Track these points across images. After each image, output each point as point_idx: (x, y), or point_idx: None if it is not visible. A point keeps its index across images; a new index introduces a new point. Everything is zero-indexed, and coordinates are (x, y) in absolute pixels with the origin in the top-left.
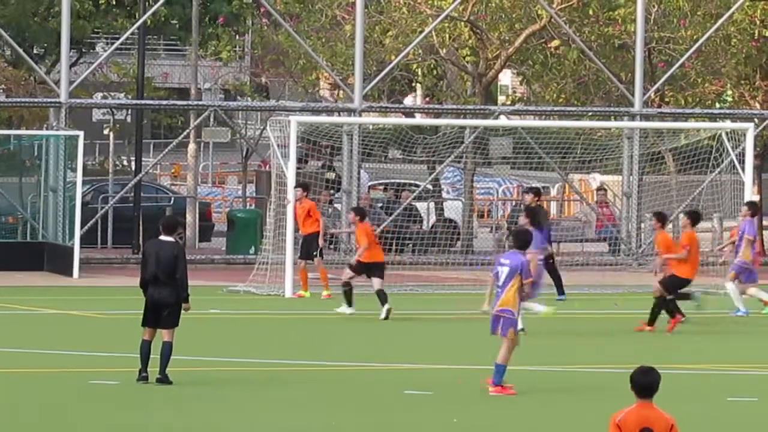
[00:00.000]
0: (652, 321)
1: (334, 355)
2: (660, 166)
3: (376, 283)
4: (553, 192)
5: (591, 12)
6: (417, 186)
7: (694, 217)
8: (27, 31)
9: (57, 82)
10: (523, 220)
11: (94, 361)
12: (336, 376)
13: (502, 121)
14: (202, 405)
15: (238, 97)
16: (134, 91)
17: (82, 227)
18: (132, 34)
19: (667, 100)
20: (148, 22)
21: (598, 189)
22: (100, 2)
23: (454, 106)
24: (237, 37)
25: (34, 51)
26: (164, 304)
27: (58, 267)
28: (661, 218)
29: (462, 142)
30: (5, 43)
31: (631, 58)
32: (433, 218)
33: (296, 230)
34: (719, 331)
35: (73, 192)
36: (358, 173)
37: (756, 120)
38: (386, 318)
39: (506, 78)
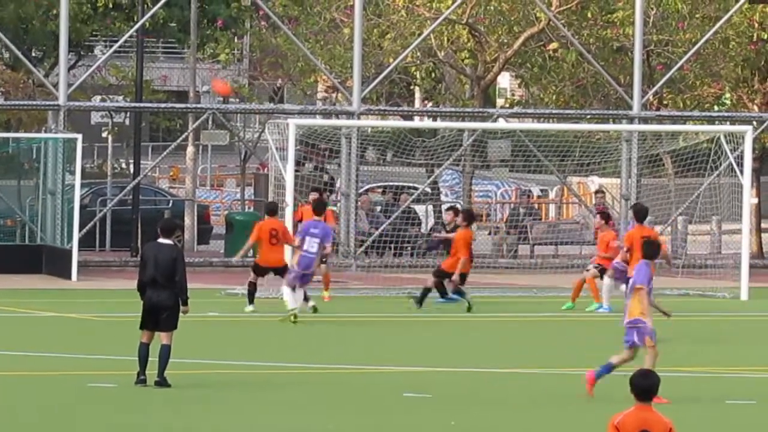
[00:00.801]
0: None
1: (332, 358)
2: (658, 169)
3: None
4: (552, 195)
5: (589, 15)
6: (415, 189)
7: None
8: (25, 34)
9: (55, 85)
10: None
11: (93, 364)
12: (335, 379)
13: (501, 124)
14: (200, 408)
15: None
16: (133, 93)
17: (80, 230)
18: (130, 36)
19: (665, 102)
20: (147, 24)
21: (597, 192)
22: (98, 5)
23: (453, 109)
24: (235, 39)
25: (33, 54)
26: (163, 307)
27: (57, 270)
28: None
29: (460, 145)
30: (4, 46)
31: (630, 61)
32: (431, 221)
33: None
34: (717, 334)
35: (71, 195)
36: (356, 176)
37: (754, 123)
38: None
39: (505, 81)
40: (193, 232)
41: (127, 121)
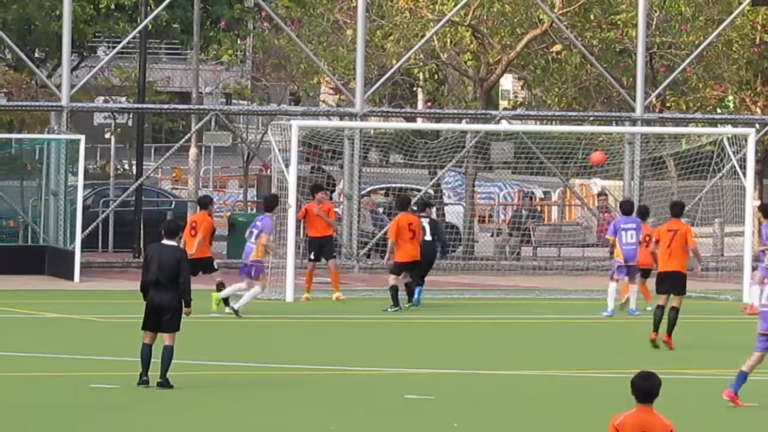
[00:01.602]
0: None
1: (335, 359)
2: (661, 172)
3: None
4: (554, 197)
5: (592, 17)
6: (418, 190)
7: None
8: (28, 35)
9: (58, 86)
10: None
11: (95, 365)
12: (337, 380)
13: (504, 125)
14: (202, 409)
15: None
16: (136, 94)
17: (83, 231)
18: (133, 37)
19: (668, 105)
20: (150, 25)
21: (599, 194)
22: (101, 6)
23: (456, 111)
24: (238, 41)
25: (36, 55)
26: (166, 308)
27: (59, 271)
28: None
29: (463, 147)
30: (7, 47)
31: (633, 63)
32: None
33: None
34: (720, 337)
35: (74, 196)
36: (359, 177)
37: (757, 125)
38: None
39: (507, 83)
40: None
41: (130, 122)
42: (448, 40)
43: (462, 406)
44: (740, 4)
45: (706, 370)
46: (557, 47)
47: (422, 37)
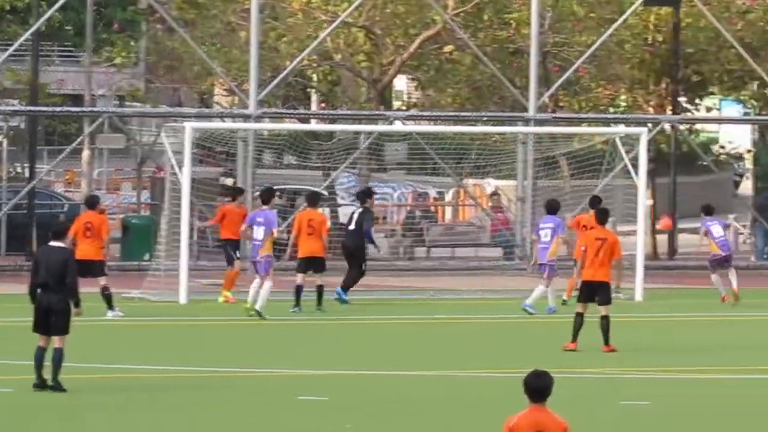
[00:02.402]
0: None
1: (229, 361)
2: (554, 171)
3: None
4: (448, 197)
5: (486, 17)
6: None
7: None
8: None
9: None
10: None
11: None
12: (232, 382)
13: (397, 126)
14: (96, 412)
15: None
16: (28, 97)
17: None
18: (26, 40)
19: (561, 105)
20: (42, 28)
21: (493, 194)
22: None
23: (349, 112)
24: (132, 43)
25: None
26: (53, 311)
27: None
28: None
29: (357, 148)
30: None
31: (526, 63)
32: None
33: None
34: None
35: None
36: (253, 178)
37: (649, 125)
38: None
39: (401, 83)
40: None
41: (23, 125)
42: (342, 42)
43: (356, 408)
44: (632, 4)
45: (598, 369)
46: (449, 48)
47: (316, 38)
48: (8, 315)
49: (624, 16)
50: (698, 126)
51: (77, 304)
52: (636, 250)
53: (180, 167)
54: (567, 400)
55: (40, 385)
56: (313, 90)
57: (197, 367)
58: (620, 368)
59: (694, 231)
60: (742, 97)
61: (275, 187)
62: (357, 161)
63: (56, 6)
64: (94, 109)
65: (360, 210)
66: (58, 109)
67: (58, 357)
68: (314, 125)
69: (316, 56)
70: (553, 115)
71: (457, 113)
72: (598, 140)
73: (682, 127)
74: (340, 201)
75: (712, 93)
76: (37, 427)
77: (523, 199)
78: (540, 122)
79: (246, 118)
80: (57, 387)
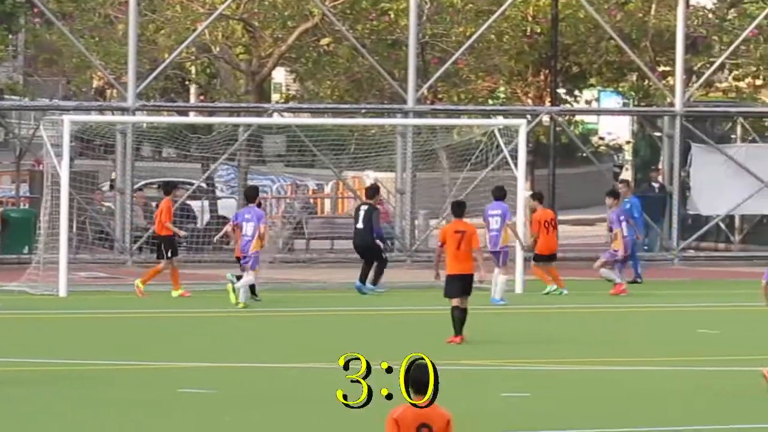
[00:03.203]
0: None
1: (109, 354)
2: (434, 163)
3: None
4: (327, 189)
5: (364, 4)
6: (191, 184)
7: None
8: None
9: None
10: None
11: None
12: (110, 375)
13: (276, 118)
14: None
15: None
16: None
17: None
18: None
19: (440, 96)
20: None
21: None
22: None
23: (228, 105)
24: (10, 36)
25: None
26: None
27: None
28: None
29: (236, 140)
30: None
31: (405, 55)
32: (207, 216)
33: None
34: (496, 327)
35: None
36: (132, 172)
37: (528, 116)
38: None
39: (280, 75)
40: None
41: None
42: (220, 34)
43: (238, 401)
44: None
45: (479, 361)
46: (326, 40)
47: (194, 30)
48: None
49: (503, 8)
50: (577, 117)
51: None
52: (515, 241)
53: (59, 160)
54: (449, 392)
55: None
56: (192, 82)
57: (78, 360)
58: (501, 360)
59: (575, 222)
60: (620, 89)
61: (154, 181)
62: (236, 153)
63: None
64: None
65: (366, 207)
66: None
67: None
68: (193, 118)
69: (195, 49)
70: (432, 107)
71: (335, 105)
72: (478, 132)
73: (561, 118)
74: (219, 194)
75: (592, 84)
76: None
77: (402, 192)
78: (419, 114)
79: (125, 110)
80: None
